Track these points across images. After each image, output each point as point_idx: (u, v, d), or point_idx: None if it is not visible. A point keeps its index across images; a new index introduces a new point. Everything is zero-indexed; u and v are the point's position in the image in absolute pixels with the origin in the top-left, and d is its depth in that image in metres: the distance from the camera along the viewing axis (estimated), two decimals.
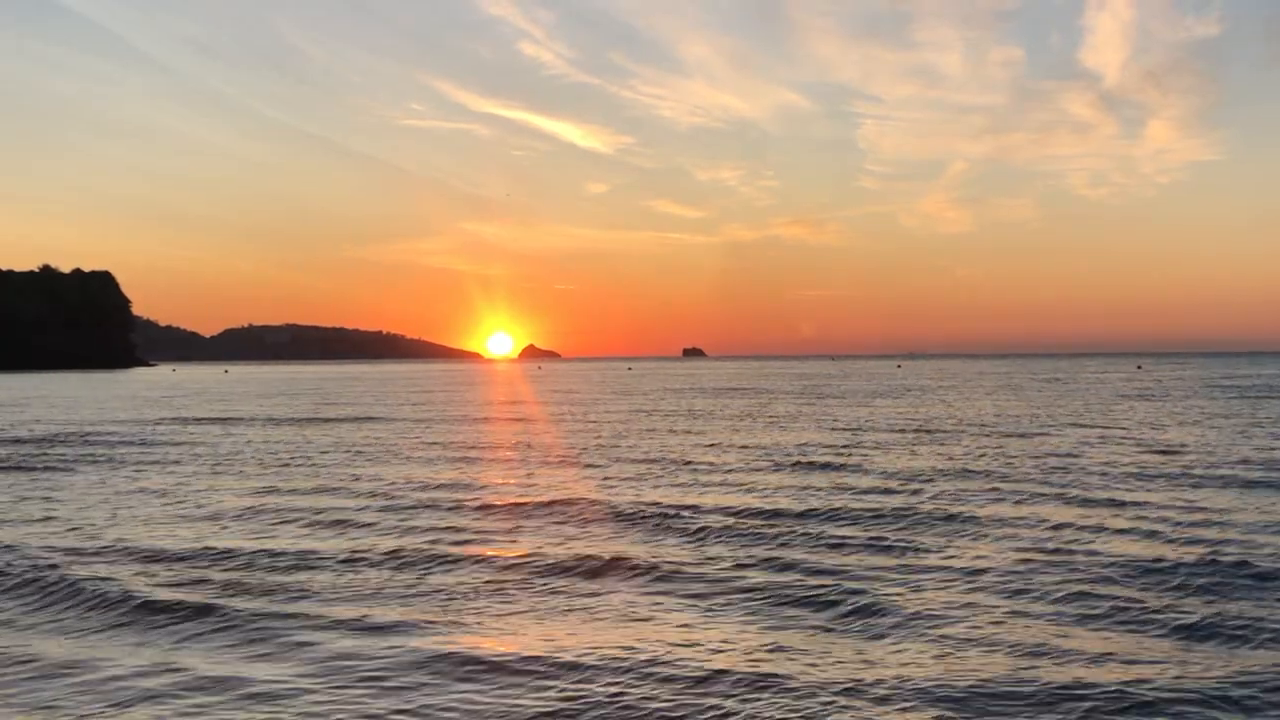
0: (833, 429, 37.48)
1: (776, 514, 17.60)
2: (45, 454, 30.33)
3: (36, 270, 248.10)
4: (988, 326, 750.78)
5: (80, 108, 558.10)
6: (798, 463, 25.67)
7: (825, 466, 24.80)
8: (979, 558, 13.87)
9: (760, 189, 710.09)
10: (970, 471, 23.45)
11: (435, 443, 33.27)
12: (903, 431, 35.63)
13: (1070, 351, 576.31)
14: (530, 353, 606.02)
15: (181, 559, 14.32)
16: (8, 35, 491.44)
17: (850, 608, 11.20)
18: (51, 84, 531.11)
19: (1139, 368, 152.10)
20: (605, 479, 23.00)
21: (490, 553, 14.43)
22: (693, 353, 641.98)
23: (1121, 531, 15.65)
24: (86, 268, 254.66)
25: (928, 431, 35.44)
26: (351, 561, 13.99)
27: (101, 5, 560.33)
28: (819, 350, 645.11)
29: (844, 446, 30.20)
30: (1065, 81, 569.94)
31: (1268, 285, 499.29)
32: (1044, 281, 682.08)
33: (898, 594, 11.78)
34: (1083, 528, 15.98)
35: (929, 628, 10.46)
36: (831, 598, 11.60)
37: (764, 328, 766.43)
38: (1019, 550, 14.32)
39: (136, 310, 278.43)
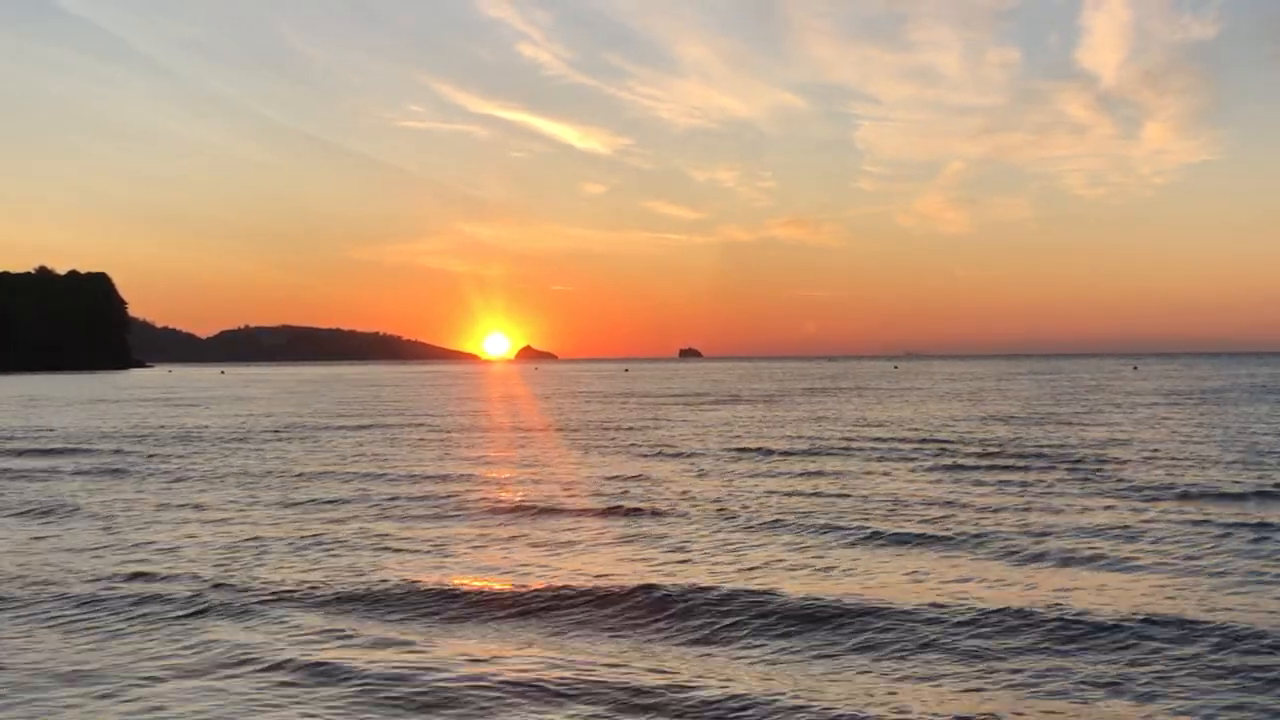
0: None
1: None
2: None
3: (32, 271, 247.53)
4: (985, 327, 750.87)
5: (79, 109, 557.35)
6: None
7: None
8: None
9: (757, 190, 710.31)
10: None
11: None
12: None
13: (1067, 352, 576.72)
14: (527, 353, 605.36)
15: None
16: (7, 36, 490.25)
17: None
18: (50, 85, 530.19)
19: (1135, 368, 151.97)
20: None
21: None
22: (689, 353, 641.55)
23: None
24: (83, 269, 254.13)
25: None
26: None
27: (100, 7, 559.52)
28: (816, 351, 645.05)
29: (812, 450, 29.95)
30: (1062, 82, 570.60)
31: (1265, 286, 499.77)
32: (1041, 282, 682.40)
33: None
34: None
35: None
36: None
37: (761, 328, 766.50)
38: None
39: (133, 311, 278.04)
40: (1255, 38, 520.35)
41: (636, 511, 18.34)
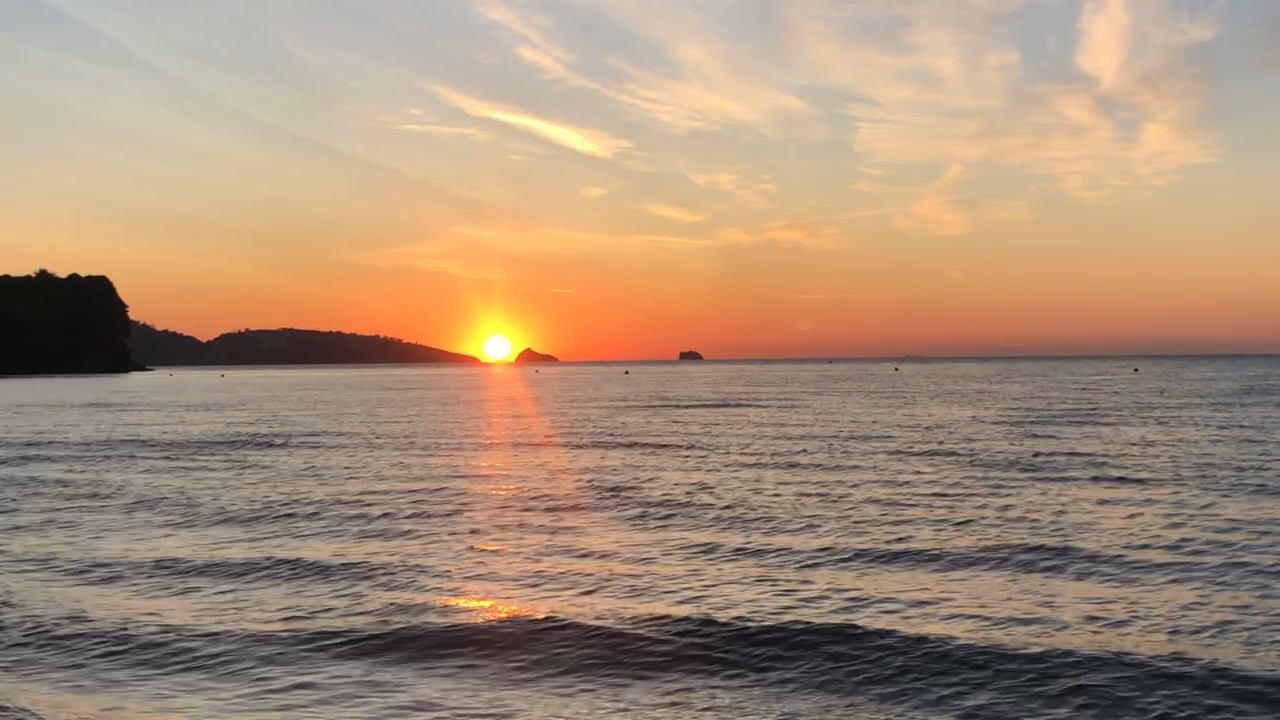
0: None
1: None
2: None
3: (33, 275, 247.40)
4: (985, 328, 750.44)
5: (79, 113, 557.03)
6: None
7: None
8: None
9: (757, 192, 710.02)
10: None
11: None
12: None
13: (1066, 354, 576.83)
14: (527, 356, 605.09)
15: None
16: (5, 40, 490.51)
17: None
18: (49, 89, 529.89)
19: (1135, 370, 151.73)
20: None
21: None
22: (689, 356, 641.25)
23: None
24: (84, 273, 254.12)
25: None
26: None
27: (99, 12, 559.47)
28: (816, 353, 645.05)
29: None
30: (1061, 85, 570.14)
31: (1263, 287, 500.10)
32: (1040, 284, 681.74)
33: None
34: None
35: None
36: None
37: (761, 330, 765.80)
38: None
39: (133, 315, 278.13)
40: (1253, 41, 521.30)
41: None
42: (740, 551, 14.99)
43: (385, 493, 21.85)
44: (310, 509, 19.70)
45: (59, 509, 20.45)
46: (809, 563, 14.14)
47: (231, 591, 12.99)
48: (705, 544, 15.60)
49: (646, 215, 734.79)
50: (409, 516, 18.64)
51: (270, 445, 34.92)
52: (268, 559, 14.84)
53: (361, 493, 21.93)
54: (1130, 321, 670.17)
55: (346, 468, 27.35)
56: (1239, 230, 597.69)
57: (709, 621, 10.77)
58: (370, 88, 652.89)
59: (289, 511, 19.49)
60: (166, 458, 31.00)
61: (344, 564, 14.40)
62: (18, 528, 18.19)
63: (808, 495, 20.65)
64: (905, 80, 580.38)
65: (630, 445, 33.41)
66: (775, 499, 20.12)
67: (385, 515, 18.81)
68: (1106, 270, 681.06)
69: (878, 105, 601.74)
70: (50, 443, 36.55)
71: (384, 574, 13.63)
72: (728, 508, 19.02)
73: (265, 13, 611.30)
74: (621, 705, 8.80)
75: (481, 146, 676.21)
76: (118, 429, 43.79)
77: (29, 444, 36.11)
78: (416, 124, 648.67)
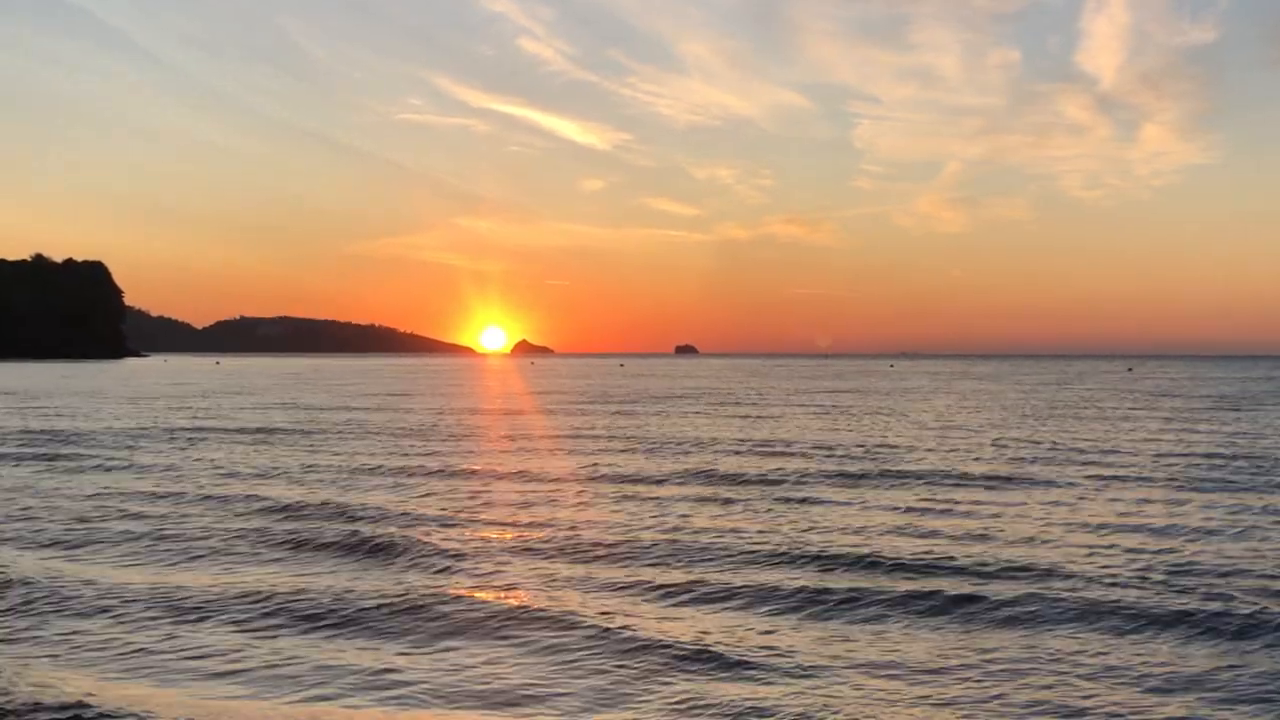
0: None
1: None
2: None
3: (28, 260, 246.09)
4: (982, 327, 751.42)
5: (78, 101, 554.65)
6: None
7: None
8: None
9: (756, 188, 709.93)
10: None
11: None
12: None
13: (1063, 353, 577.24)
14: (523, 348, 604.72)
15: None
16: (7, 28, 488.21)
17: None
18: (49, 77, 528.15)
19: (1130, 370, 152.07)
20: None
21: None
22: (685, 349, 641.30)
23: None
24: (79, 259, 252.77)
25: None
26: None
27: (101, 0, 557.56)
28: (812, 349, 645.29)
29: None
30: (1062, 84, 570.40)
31: (1261, 288, 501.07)
32: (1038, 282, 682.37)
33: None
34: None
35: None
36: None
37: (757, 325, 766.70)
38: None
39: (128, 301, 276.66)
40: (1255, 41, 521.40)
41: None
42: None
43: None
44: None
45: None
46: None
47: None
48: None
49: (645, 209, 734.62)
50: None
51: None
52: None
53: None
54: (1127, 321, 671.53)
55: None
56: (1238, 231, 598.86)
57: None
58: (371, 79, 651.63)
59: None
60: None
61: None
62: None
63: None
64: (906, 78, 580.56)
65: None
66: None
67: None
68: (1104, 270, 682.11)
69: (878, 103, 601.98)
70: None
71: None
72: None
73: (267, 3, 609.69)
74: None
75: (481, 138, 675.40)
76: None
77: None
78: (416, 114, 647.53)
